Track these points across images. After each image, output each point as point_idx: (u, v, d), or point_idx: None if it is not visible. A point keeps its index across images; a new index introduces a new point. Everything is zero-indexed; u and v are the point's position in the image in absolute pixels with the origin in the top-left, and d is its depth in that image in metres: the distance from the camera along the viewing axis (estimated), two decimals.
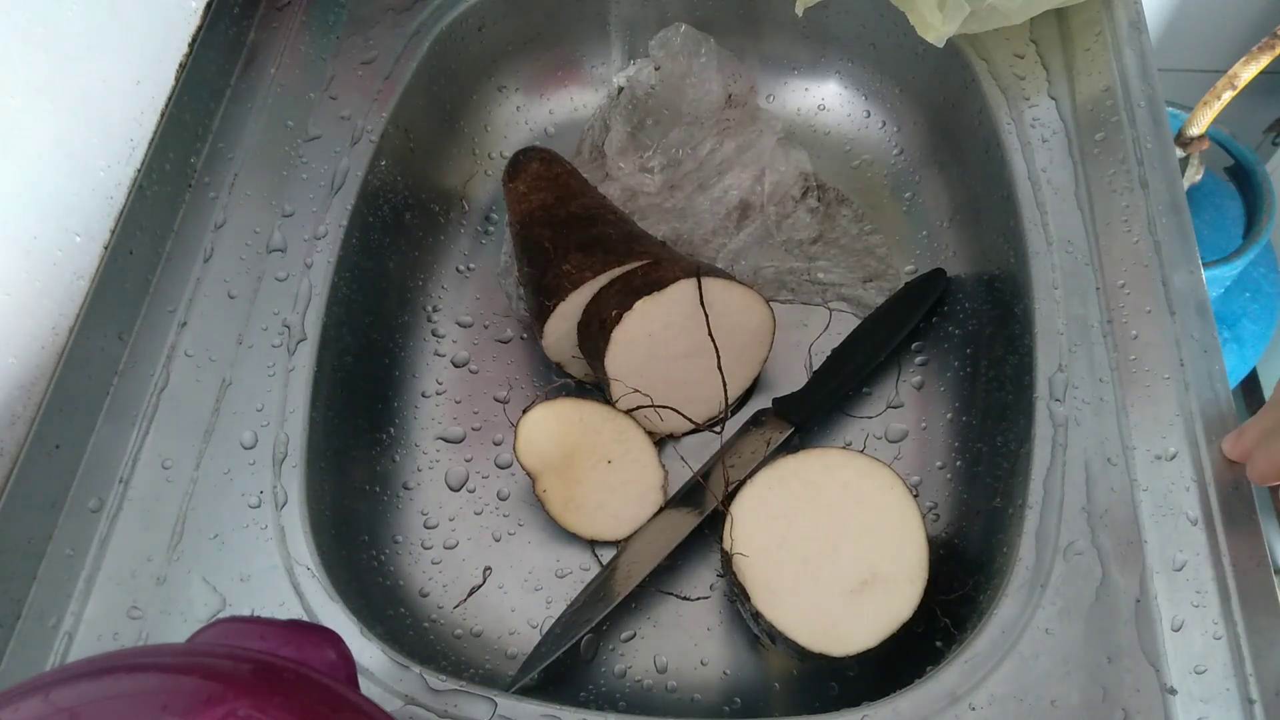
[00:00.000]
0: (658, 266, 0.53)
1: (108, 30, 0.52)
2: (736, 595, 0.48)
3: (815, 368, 0.59)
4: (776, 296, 0.62)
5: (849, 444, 0.57)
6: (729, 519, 0.49)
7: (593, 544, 0.55)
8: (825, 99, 0.70)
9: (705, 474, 0.54)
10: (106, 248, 0.51)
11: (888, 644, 0.45)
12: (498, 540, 0.55)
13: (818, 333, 0.61)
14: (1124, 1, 0.60)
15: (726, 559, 0.48)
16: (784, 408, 0.56)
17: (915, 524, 0.47)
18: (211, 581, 0.46)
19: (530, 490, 0.53)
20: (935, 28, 0.56)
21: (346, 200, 0.56)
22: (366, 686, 0.42)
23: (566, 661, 0.50)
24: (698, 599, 0.53)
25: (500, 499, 0.57)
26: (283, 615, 0.44)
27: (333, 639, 0.33)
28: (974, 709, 0.40)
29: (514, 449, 0.52)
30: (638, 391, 0.54)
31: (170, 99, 0.56)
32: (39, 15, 0.47)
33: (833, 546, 0.47)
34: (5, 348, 0.46)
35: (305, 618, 0.45)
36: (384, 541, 0.54)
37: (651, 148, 0.66)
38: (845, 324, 0.61)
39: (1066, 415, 0.47)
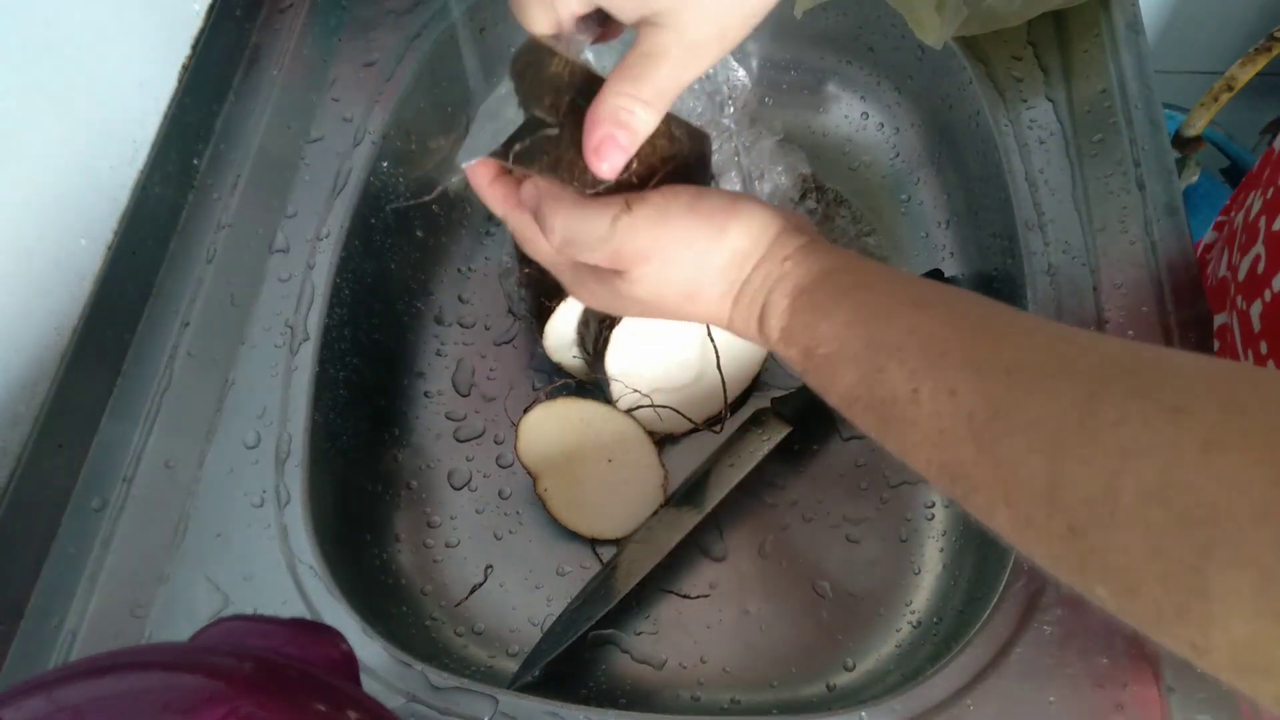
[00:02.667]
0: None
1: (111, 32, 0.52)
2: None
3: None
4: None
5: (849, 443, 0.57)
6: None
7: (593, 542, 0.55)
8: (823, 101, 0.70)
9: (705, 474, 0.54)
10: (110, 248, 0.52)
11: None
12: (499, 539, 0.56)
13: None
14: (1121, 3, 0.60)
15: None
16: (783, 407, 0.56)
17: None
18: (214, 580, 0.46)
19: (531, 489, 0.54)
20: (933, 30, 0.56)
21: (348, 201, 0.56)
22: (369, 684, 0.42)
23: (567, 659, 0.50)
24: (698, 597, 0.53)
25: (501, 498, 0.57)
26: (285, 613, 0.45)
27: (335, 637, 0.34)
28: (972, 708, 0.41)
29: (515, 448, 0.53)
30: (637, 391, 0.54)
31: (173, 101, 0.56)
32: (42, 17, 0.47)
33: None
34: (9, 348, 0.46)
35: (308, 616, 0.45)
36: (386, 540, 0.54)
37: None
38: None
39: None
